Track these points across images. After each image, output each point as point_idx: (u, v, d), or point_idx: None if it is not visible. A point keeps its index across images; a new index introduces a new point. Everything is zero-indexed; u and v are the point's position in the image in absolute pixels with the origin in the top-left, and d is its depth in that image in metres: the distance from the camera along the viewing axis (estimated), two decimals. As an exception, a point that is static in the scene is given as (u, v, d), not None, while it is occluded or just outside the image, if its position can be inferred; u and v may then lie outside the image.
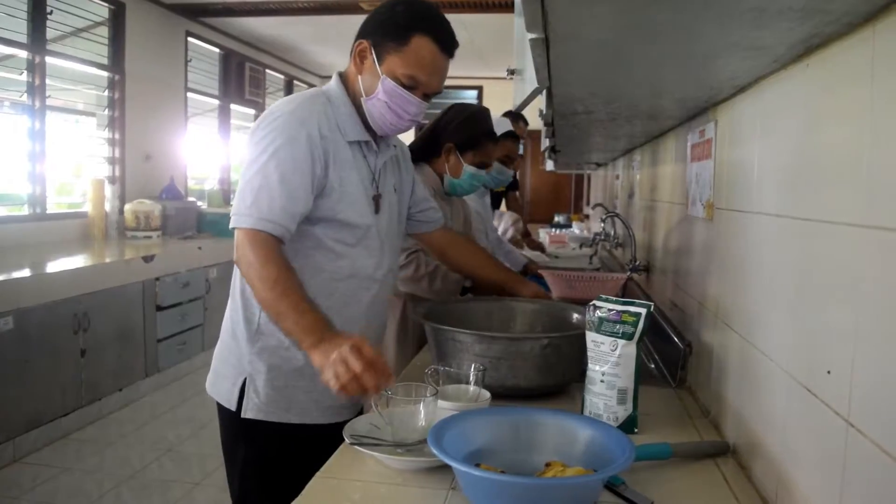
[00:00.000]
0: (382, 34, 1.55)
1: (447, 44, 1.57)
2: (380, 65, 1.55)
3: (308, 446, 1.46)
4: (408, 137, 2.46)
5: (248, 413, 1.58)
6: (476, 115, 2.39)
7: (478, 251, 2.12)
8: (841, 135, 0.89)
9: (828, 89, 0.95)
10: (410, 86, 1.56)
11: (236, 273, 1.62)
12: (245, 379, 1.58)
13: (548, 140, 2.81)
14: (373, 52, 1.55)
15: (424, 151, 2.34)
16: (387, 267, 1.70)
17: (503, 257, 3.20)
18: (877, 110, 0.79)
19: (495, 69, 8.62)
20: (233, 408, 1.58)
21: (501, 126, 3.00)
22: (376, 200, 1.65)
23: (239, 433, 1.61)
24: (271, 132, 1.50)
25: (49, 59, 4.99)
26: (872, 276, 0.79)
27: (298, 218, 1.51)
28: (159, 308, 4.75)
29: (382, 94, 1.56)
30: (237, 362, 1.60)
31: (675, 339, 1.80)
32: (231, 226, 1.49)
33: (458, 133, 2.32)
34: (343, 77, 1.65)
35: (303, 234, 1.55)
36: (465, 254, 2.06)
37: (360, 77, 1.59)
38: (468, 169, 2.32)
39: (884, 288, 0.76)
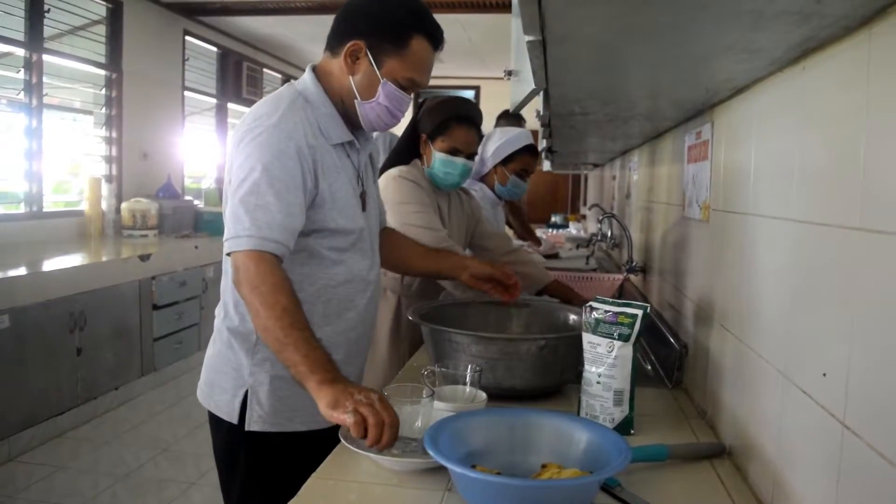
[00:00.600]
0: (379, 35, 1.50)
1: (439, 41, 1.55)
2: (378, 68, 1.50)
3: (311, 451, 1.45)
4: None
5: (252, 426, 1.54)
6: (444, 101, 2.31)
7: (412, 244, 1.97)
8: (837, 137, 0.90)
9: (824, 92, 0.95)
10: (407, 87, 1.53)
11: (226, 284, 1.58)
12: (247, 391, 1.55)
13: (545, 141, 2.81)
14: (369, 53, 1.50)
15: (412, 150, 2.32)
16: (377, 266, 1.70)
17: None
18: (872, 113, 0.79)
19: (493, 69, 8.62)
20: (234, 421, 1.54)
21: (521, 139, 2.92)
22: (363, 198, 1.63)
23: (240, 445, 1.57)
24: (257, 148, 1.43)
25: (46, 57, 4.98)
26: (868, 279, 0.79)
27: (296, 234, 1.45)
28: (156, 307, 4.75)
29: (383, 98, 1.52)
30: (236, 374, 1.56)
31: (672, 341, 1.80)
32: (228, 250, 1.42)
33: (428, 122, 2.27)
34: (318, 73, 1.59)
35: (296, 245, 1.49)
36: (399, 247, 1.90)
37: (352, 78, 1.53)
38: (437, 155, 2.23)
39: (879, 291, 0.76)
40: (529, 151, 2.94)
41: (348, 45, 1.51)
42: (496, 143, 2.91)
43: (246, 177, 1.42)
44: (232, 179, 1.46)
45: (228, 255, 1.43)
